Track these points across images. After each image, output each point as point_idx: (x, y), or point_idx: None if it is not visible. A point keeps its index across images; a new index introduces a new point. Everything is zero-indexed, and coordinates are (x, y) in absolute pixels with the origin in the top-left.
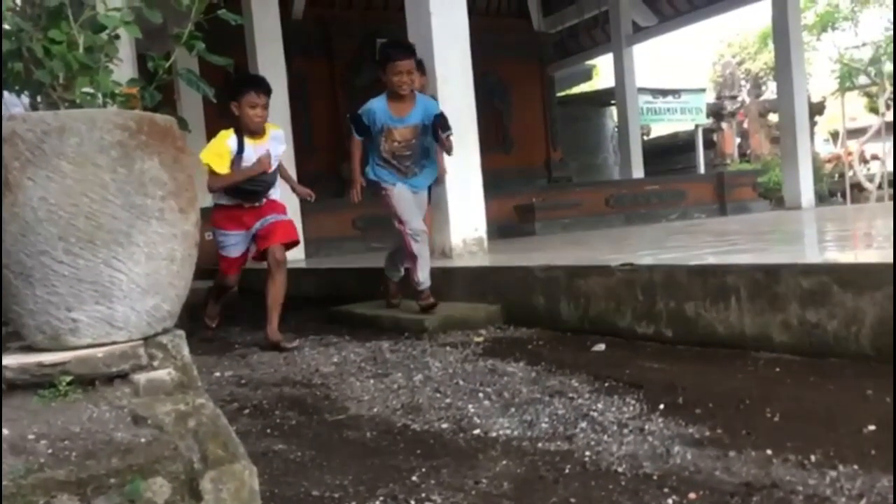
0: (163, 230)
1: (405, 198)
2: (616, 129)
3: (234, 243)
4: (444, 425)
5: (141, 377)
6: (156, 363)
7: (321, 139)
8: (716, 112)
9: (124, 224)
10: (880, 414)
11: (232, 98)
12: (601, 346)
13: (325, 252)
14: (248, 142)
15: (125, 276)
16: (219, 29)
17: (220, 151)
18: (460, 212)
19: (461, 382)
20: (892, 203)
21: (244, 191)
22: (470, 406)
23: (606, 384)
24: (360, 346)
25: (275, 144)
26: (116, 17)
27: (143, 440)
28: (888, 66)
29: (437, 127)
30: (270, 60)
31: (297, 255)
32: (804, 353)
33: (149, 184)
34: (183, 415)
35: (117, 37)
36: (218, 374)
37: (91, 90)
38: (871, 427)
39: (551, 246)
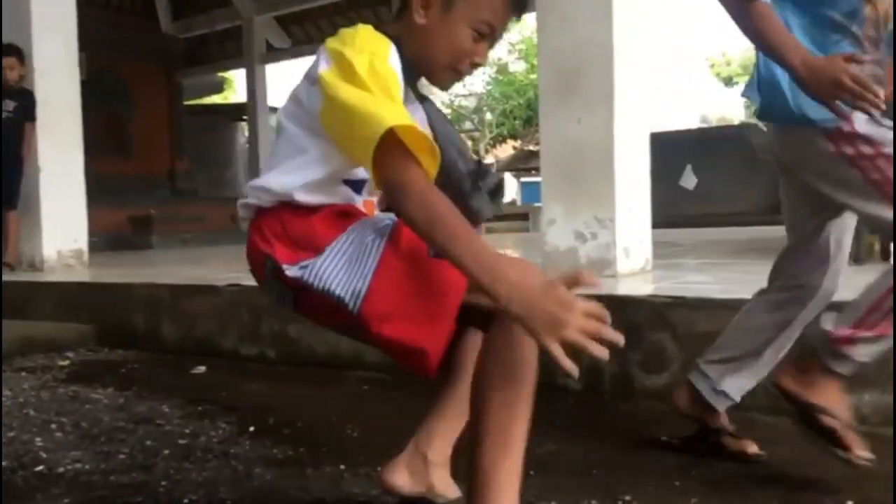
0: None
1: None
2: (247, 145)
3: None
4: (3, 463)
5: None
6: None
7: None
8: None
9: None
10: None
11: None
12: (202, 369)
13: None
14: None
15: None
16: None
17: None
18: (56, 219)
19: (32, 413)
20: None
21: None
22: (38, 439)
23: (200, 408)
24: None
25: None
26: None
27: None
28: (489, 116)
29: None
30: None
31: None
32: (391, 370)
33: None
34: None
35: None
36: None
37: None
38: None
39: (165, 262)
